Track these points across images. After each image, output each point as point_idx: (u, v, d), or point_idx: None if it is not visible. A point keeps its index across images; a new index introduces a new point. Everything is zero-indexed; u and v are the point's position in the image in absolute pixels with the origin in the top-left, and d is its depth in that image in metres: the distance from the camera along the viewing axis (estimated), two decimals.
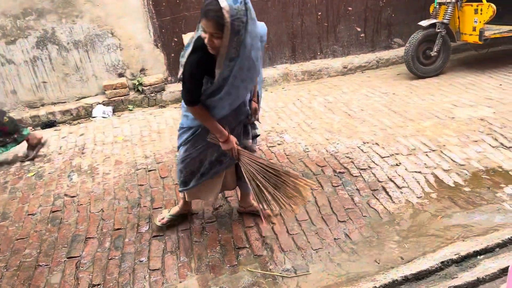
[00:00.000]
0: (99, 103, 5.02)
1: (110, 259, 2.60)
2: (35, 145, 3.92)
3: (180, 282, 2.39)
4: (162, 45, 5.17)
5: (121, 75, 5.16)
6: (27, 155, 3.94)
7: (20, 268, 2.57)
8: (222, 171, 2.58)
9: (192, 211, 2.94)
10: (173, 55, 5.25)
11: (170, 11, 5.08)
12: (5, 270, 2.57)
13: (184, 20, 5.15)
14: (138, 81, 5.13)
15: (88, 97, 5.13)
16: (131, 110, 5.08)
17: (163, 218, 2.81)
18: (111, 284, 2.41)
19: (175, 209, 2.84)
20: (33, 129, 4.77)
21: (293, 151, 3.64)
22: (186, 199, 2.74)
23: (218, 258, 2.53)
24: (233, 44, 1.93)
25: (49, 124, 4.83)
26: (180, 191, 2.71)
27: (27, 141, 3.87)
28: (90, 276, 2.47)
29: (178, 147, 2.56)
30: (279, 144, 3.78)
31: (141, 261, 2.56)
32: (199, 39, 2.03)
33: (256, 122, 2.63)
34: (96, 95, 5.16)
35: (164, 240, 2.71)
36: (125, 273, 2.48)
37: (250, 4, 1.94)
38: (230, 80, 2.08)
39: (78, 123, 4.87)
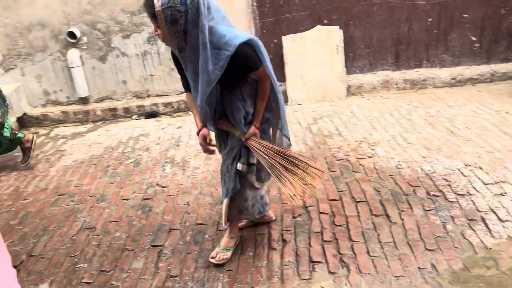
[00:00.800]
0: None
1: (189, 252, 2.70)
2: (28, 148, 4.01)
3: (252, 287, 2.40)
4: None
5: None
6: (24, 159, 4.03)
7: (109, 249, 2.79)
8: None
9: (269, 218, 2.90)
10: (271, 56, 5.24)
11: (273, 13, 5.12)
12: (97, 248, 2.81)
13: (286, 22, 5.15)
14: None
15: None
16: None
17: (217, 255, 2.62)
18: (187, 277, 2.50)
19: (224, 241, 2.68)
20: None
21: (384, 166, 3.45)
22: None
23: (291, 268, 2.49)
24: (174, 34, 1.95)
25: (152, 114, 5.18)
26: None
27: (21, 144, 3.98)
28: (169, 267, 2.59)
29: None
30: (369, 157, 3.60)
31: (212, 259, 2.61)
32: None
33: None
34: None
35: (242, 241, 2.74)
36: (201, 269, 2.56)
37: None
38: (188, 72, 2.11)
39: (178, 115, 5.15)
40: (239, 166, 2.40)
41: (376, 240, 2.65)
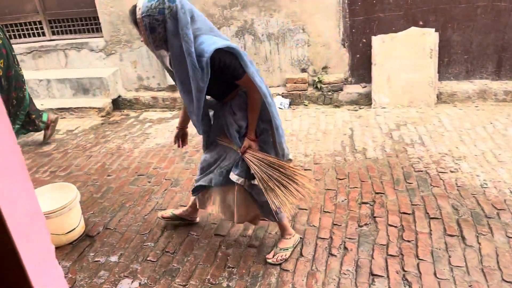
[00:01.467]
0: (279, 94, 5.26)
1: (249, 246, 2.73)
2: (50, 125, 4.57)
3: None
4: (349, 45, 5.09)
5: (303, 70, 5.29)
6: (45, 135, 4.62)
7: (175, 232, 2.92)
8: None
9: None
10: (358, 56, 5.12)
11: (364, 11, 4.94)
12: (165, 230, 2.95)
13: (377, 21, 4.94)
14: (318, 78, 5.19)
15: (271, 87, 5.43)
16: (306, 105, 5.18)
17: (166, 213, 2.97)
18: (244, 270, 2.53)
19: (179, 210, 2.96)
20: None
21: (466, 183, 3.17)
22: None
23: (349, 279, 2.40)
24: (154, 42, 2.02)
25: None
26: None
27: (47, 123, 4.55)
28: (228, 258, 2.64)
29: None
30: (452, 172, 3.33)
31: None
32: None
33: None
34: (278, 86, 5.42)
35: (302, 243, 2.71)
36: (258, 264, 2.58)
37: (178, 5, 1.94)
38: (176, 81, 2.20)
39: None
40: (236, 178, 2.37)
41: (446, 261, 2.45)
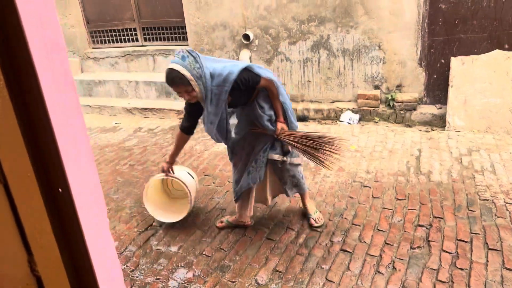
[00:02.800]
0: (349, 109, 5.30)
1: (298, 254, 2.84)
2: None
3: None
4: (426, 64, 4.99)
5: (376, 87, 5.27)
6: None
7: (231, 232, 3.11)
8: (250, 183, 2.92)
9: (248, 224, 3.15)
10: (435, 76, 4.99)
11: (444, 31, 4.82)
12: (222, 229, 3.16)
13: (458, 42, 4.79)
14: (391, 96, 5.14)
15: (341, 101, 5.48)
16: (376, 122, 5.15)
17: (221, 222, 3.19)
18: (290, 276, 2.65)
19: (232, 218, 3.17)
20: None
21: None
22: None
23: None
24: (202, 85, 2.44)
25: (302, 118, 5.43)
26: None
27: None
28: (277, 262, 2.78)
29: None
30: None
31: (322, 268, 2.69)
32: None
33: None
34: (349, 101, 5.45)
35: (350, 257, 2.76)
36: (305, 271, 2.67)
37: (196, 52, 2.46)
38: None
39: (325, 123, 5.29)
40: (277, 156, 2.85)
41: (499, 281, 2.36)
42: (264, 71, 2.67)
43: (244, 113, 2.86)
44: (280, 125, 2.77)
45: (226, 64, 2.56)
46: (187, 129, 2.81)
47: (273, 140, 2.84)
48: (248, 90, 2.67)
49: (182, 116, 5.71)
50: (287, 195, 3.11)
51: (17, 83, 0.67)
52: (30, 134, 0.70)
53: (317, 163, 2.81)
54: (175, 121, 5.69)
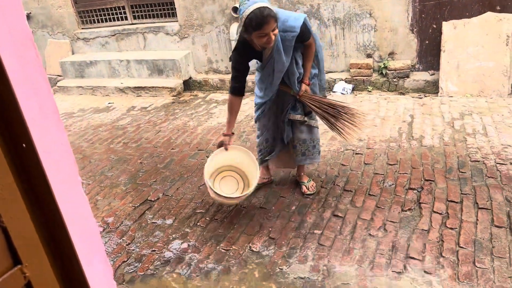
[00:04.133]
0: (342, 80, 5.27)
1: (291, 221, 2.87)
2: None
3: (341, 265, 2.46)
4: (418, 30, 4.93)
5: (369, 56, 5.23)
6: None
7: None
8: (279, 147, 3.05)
9: (271, 179, 3.30)
10: (427, 42, 4.94)
11: None
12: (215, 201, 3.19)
13: (449, 6, 4.72)
14: (384, 64, 5.10)
15: (334, 72, 5.44)
16: (369, 91, 5.14)
17: None
18: (283, 242, 2.69)
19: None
20: None
21: None
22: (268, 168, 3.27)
23: (385, 258, 2.46)
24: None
25: None
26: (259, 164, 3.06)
27: None
28: (271, 229, 2.82)
29: (255, 121, 3.07)
30: None
31: (314, 233, 2.73)
32: (240, 39, 2.58)
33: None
34: (342, 71, 5.42)
35: (342, 222, 2.80)
36: (297, 238, 2.72)
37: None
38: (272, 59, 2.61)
39: None
40: (299, 117, 2.86)
41: (488, 252, 2.40)
42: (311, 29, 2.67)
43: (279, 67, 2.67)
44: (305, 87, 2.78)
45: (285, 12, 2.57)
46: (240, 90, 2.72)
47: (295, 101, 2.84)
48: (296, 44, 2.62)
49: (175, 93, 5.70)
50: (295, 163, 3.11)
51: None
52: None
53: (335, 132, 2.88)
54: (168, 99, 5.67)
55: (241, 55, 2.62)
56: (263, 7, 2.31)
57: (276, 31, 2.40)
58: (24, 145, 0.79)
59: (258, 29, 2.34)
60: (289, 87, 2.80)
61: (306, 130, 2.94)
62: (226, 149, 2.82)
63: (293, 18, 2.51)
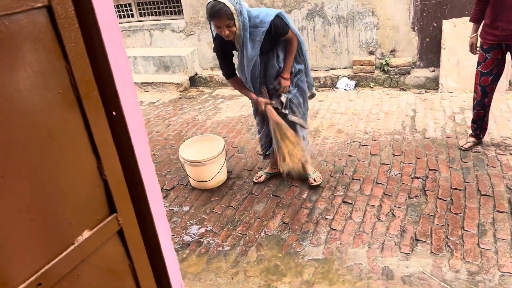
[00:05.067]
0: (345, 76, 5.42)
1: (303, 207, 3.02)
2: None
3: (352, 248, 2.60)
4: (419, 28, 5.10)
5: (371, 53, 5.39)
6: None
7: (239, 191, 3.29)
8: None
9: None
10: (427, 39, 5.11)
11: None
12: (230, 189, 3.33)
13: (450, 5, 4.89)
14: (386, 61, 5.26)
15: (337, 69, 5.60)
16: (371, 87, 5.29)
17: (259, 177, 3.36)
18: (296, 227, 2.83)
19: (267, 168, 3.39)
20: None
21: None
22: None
23: (394, 241, 2.61)
24: (241, 21, 2.52)
25: None
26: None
27: None
28: (284, 215, 2.96)
29: (254, 116, 3.22)
30: (511, 154, 3.34)
31: (326, 218, 2.88)
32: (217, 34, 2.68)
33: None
34: (344, 68, 5.57)
35: (352, 208, 2.94)
36: (309, 223, 2.86)
37: None
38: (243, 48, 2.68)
39: (322, 90, 5.42)
40: (274, 103, 2.91)
41: (491, 234, 2.56)
42: (291, 24, 2.75)
43: (261, 61, 2.85)
44: (284, 82, 2.88)
45: (260, 10, 2.67)
46: (230, 72, 2.90)
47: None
48: (274, 38, 2.73)
49: (182, 89, 5.82)
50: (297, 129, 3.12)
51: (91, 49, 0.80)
52: (95, 69, 0.84)
53: (276, 151, 2.97)
54: (175, 94, 5.80)
55: (218, 43, 2.76)
56: (218, 1, 2.45)
57: (234, 28, 2.53)
58: (114, 113, 0.93)
59: (211, 20, 2.54)
60: (270, 100, 2.92)
61: (291, 127, 2.99)
62: (263, 109, 2.92)
63: (264, 14, 2.61)
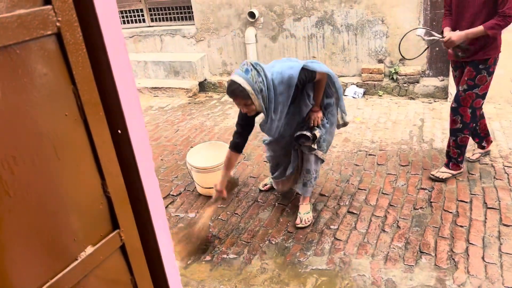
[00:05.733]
0: (353, 84, 5.43)
1: None
2: None
3: (356, 258, 2.61)
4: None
5: (380, 61, 5.39)
6: None
7: (245, 198, 3.32)
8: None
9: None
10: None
11: None
12: (236, 196, 3.36)
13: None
14: (395, 69, 5.26)
15: (346, 76, 5.60)
16: (380, 95, 5.29)
17: (265, 185, 3.38)
18: (301, 236, 2.85)
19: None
20: None
21: None
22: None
23: (398, 253, 2.61)
24: (262, 99, 2.47)
25: None
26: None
27: None
28: (288, 224, 2.97)
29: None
30: None
31: (330, 228, 2.89)
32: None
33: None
34: (353, 76, 5.58)
35: (356, 218, 2.95)
36: (314, 232, 2.87)
37: (261, 65, 2.46)
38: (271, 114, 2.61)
39: None
40: (305, 132, 2.74)
41: (496, 248, 2.55)
42: (318, 65, 2.61)
43: (291, 109, 2.74)
44: (315, 114, 2.74)
45: (282, 69, 2.53)
46: (239, 147, 2.76)
47: (302, 122, 2.81)
48: (303, 86, 2.67)
49: (191, 94, 5.87)
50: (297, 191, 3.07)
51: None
52: (101, 90, 0.87)
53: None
54: (184, 99, 5.85)
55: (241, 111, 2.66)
56: (234, 81, 2.41)
57: (253, 106, 2.48)
58: (119, 131, 0.96)
59: (230, 97, 2.54)
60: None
61: (314, 160, 2.87)
62: (224, 198, 2.93)
63: (286, 77, 2.50)
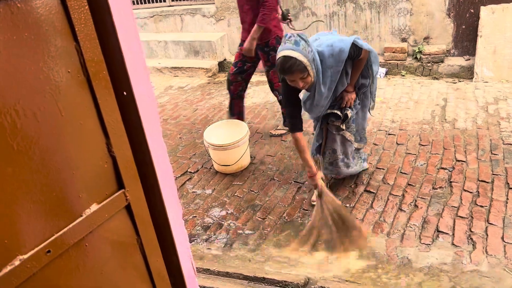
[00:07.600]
0: None
1: None
2: None
3: (371, 237, 2.59)
4: (454, 15, 4.91)
5: (403, 40, 5.24)
6: None
7: (261, 176, 3.32)
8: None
9: None
10: (463, 27, 4.92)
11: None
12: (251, 174, 3.37)
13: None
14: (418, 48, 5.11)
15: None
16: (403, 75, 5.16)
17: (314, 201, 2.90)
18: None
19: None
20: None
21: None
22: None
23: (414, 232, 2.57)
24: (314, 68, 2.36)
25: None
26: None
27: None
28: (304, 201, 2.97)
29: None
30: None
31: (346, 206, 2.86)
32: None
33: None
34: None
35: (373, 197, 2.92)
36: None
37: (305, 36, 2.34)
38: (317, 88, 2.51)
39: None
40: (336, 111, 2.65)
41: None
42: (362, 42, 2.47)
43: (318, 99, 2.58)
44: (347, 95, 2.63)
45: (333, 41, 2.43)
46: (297, 126, 2.59)
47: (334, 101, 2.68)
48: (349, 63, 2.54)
49: (210, 74, 5.87)
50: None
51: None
52: (106, 52, 0.87)
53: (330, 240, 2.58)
54: (204, 79, 5.85)
55: (287, 85, 2.50)
56: (288, 57, 2.25)
57: (309, 78, 2.35)
58: (124, 93, 0.96)
59: (283, 75, 2.39)
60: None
61: (340, 140, 2.79)
62: (320, 195, 2.62)
63: (337, 50, 2.39)
